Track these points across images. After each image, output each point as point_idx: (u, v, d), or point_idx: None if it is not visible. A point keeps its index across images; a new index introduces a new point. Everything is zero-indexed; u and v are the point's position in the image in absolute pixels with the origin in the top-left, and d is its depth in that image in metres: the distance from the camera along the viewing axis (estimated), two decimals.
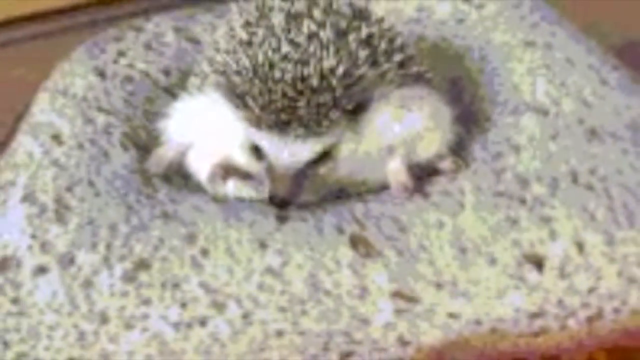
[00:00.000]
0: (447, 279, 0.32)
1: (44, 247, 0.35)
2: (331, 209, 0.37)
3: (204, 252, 0.34)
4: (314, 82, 0.33)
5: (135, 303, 0.32)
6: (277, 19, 0.35)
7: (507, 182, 0.37)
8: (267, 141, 0.35)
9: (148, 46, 0.54)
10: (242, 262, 0.33)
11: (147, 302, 0.32)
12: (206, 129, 0.38)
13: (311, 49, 0.34)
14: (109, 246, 0.35)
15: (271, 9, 0.36)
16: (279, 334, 0.30)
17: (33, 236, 0.36)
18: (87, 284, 0.33)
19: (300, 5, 0.36)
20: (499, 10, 0.51)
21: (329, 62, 0.33)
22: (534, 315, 0.30)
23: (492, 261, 0.32)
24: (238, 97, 0.35)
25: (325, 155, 0.35)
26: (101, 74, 0.51)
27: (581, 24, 0.52)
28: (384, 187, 0.37)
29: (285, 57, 0.34)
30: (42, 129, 0.45)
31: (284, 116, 0.33)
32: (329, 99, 0.33)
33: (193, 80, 0.40)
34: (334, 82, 0.33)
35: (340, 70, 0.33)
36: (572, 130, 0.39)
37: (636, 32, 0.67)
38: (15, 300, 0.33)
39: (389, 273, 0.32)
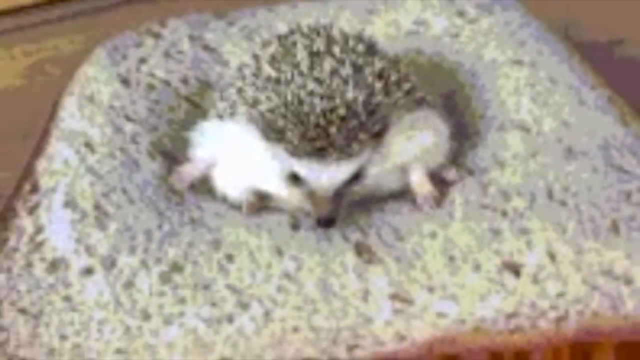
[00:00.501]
0: (438, 283, 0.37)
1: (88, 250, 0.40)
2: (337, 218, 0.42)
3: (229, 258, 0.39)
4: (341, 111, 0.38)
5: (172, 302, 0.37)
6: (301, 56, 0.40)
7: (491, 195, 0.42)
8: (306, 168, 0.39)
9: (167, 54, 0.58)
10: (262, 266, 0.38)
11: (182, 301, 0.37)
12: (238, 156, 0.42)
13: (334, 84, 0.39)
14: (145, 250, 0.40)
15: (294, 44, 0.41)
16: (295, 329, 0.36)
17: (78, 240, 0.41)
18: (129, 284, 0.38)
19: (320, 43, 0.41)
20: (490, 27, 0.55)
21: (351, 95, 0.39)
22: (510, 316, 0.36)
23: (477, 268, 0.38)
24: (275, 132, 0.39)
25: (356, 176, 0.40)
26: (125, 82, 0.55)
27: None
28: (396, 195, 0.43)
29: (311, 93, 0.38)
30: (76, 136, 0.49)
31: (319, 144, 0.38)
32: (356, 124, 0.39)
33: (221, 105, 0.44)
34: (358, 109, 0.39)
35: (360, 100, 0.39)
36: (551, 149, 0.44)
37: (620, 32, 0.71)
38: (67, 298, 0.38)
39: (389, 278, 0.37)
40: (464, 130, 0.48)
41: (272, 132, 0.39)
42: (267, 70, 0.40)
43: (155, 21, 0.63)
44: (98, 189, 0.44)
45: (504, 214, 0.40)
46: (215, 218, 0.43)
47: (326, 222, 0.39)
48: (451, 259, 0.38)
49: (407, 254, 0.39)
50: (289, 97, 0.39)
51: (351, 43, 0.41)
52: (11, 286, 0.39)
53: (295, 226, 0.41)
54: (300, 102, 0.39)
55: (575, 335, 0.35)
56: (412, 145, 0.42)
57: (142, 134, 0.49)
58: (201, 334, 0.35)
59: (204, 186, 0.46)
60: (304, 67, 0.40)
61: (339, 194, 0.40)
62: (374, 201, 0.42)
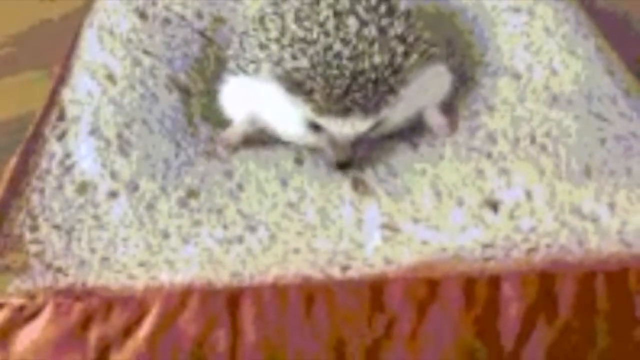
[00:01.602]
0: (424, 215, 0.41)
1: (113, 175, 0.45)
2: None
3: (240, 187, 0.44)
4: (367, 74, 0.42)
5: (189, 223, 0.42)
6: (326, 14, 0.43)
7: (479, 138, 0.46)
8: (329, 123, 0.43)
9: None
10: (269, 196, 0.43)
11: (198, 223, 0.42)
12: (264, 111, 0.45)
13: (360, 47, 0.42)
14: (164, 177, 0.45)
15: (318, 1, 0.44)
16: (296, 251, 0.40)
17: (103, 165, 0.46)
18: (150, 206, 0.43)
19: (344, 2, 0.43)
20: None
21: (376, 59, 0.42)
22: (487, 246, 0.40)
23: (460, 203, 0.42)
24: (301, 91, 0.42)
25: (375, 126, 0.44)
26: (142, 15, 0.58)
27: None
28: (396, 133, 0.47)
29: (338, 55, 0.41)
30: (97, 68, 0.53)
31: (344, 104, 0.42)
32: (379, 86, 0.42)
33: (244, 61, 0.46)
34: (383, 73, 0.42)
35: (385, 63, 0.42)
36: (538, 96, 0.48)
37: None
38: (95, 217, 0.43)
39: (380, 209, 0.42)
40: (461, 74, 0.51)
41: (298, 91, 0.42)
42: (293, 28, 0.43)
43: None
44: (120, 119, 0.48)
45: (489, 155, 0.44)
46: (228, 149, 0.47)
47: (344, 165, 0.44)
48: (438, 194, 0.42)
49: (398, 188, 0.43)
50: (316, 58, 0.41)
51: (373, 2, 0.44)
52: (45, 205, 0.43)
53: (299, 161, 0.45)
54: (328, 64, 0.41)
55: (543, 265, 0.39)
56: (425, 95, 0.46)
57: (159, 68, 0.53)
58: (214, 252, 0.40)
59: (217, 118, 0.50)
60: (330, 26, 0.42)
61: (359, 140, 0.43)
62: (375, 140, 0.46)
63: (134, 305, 0.39)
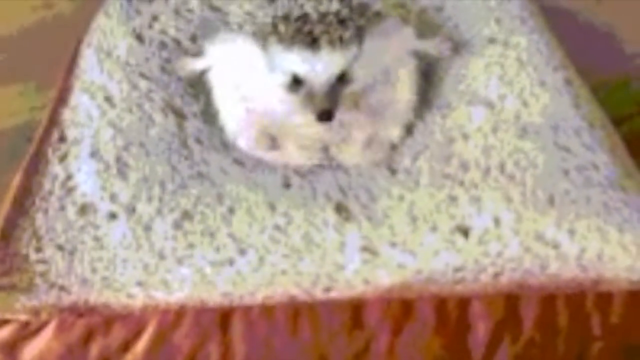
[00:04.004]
0: (400, 240, 0.45)
1: (112, 197, 0.48)
2: (322, 178, 0.49)
3: (231, 210, 0.47)
4: (328, 12, 0.47)
5: (183, 245, 0.45)
6: None
7: (453, 166, 0.49)
8: (302, 60, 0.47)
9: (177, 12, 0.63)
10: (258, 219, 0.46)
11: (191, 245, 0.45)
12: (240, 72, 0.51)
13: (322, 7, 0.48)
14: (161, 199, 0.48)
15: None
16: (283, 272, 0.44)
17: (103, 188, 0.49)
18: (147, 228, 0.46)
19: None
20: (473, 2, 0.61)
21: (337, 5, 0.48)
22: (457, 269, 0.44)
23: (434, 228, 0.45)
24: (273, 34, 0.48)
25: (345, 77, 0.48)
26: (139, 38, 0.61)
27: None
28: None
29: (302, 6, 0.48)
30: (96, 90, 0.56)
31: (311, 35, 0.47)
32: (340, 22, 0.48)
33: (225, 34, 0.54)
34: (342, 12, 0.48)
35: (347, 10, 0.48)
36: (509, 126, 0.51)
37: None
38: (96, 238, 0.46)
39: (361, 233, 0.45)
40: (439, 102, 0.54)
41: (270, 35, 0.48)
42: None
43: None
44: (119, 142, 0.51)
45: (461, 183, 0.47)
46: (220, 173, 0.50)
47: (324, 114, 0.48)
48: (413, 219, 0.46)
49: (378, 214, 0.46)
50: (283, 10, 0.48)
51: None
52: (49, 225, 0.47)
53: (287, 185, 0.49)
54: (294, 14, 0.48)
55: (508, 288, 0.43)
56: (389, 51, 0.51)
57: (155, 91, 0.56)
58: (207, 273, 0.44)
59: (210, 141, 0.53)
60: None
61: (334, 91, 0.47)
62: (354, 167, 0.50)
63: (133, 322, 0.42)
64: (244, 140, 0.51)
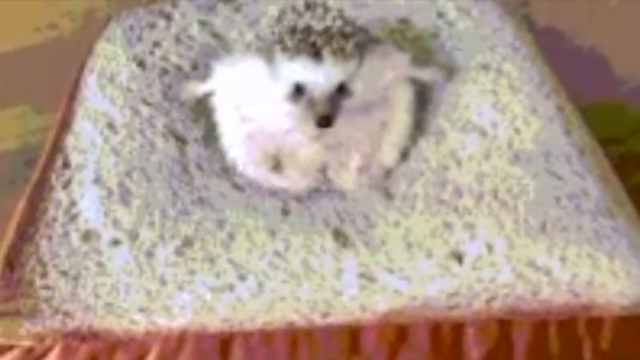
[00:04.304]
0: (397, 266, 0.46)
1: (115, 224, 0.49)
2: (320, 204, 0.51)
3: (231, 236, 0.48)
4: (332, 28, 0.50)
5: (184, 271, 0.46)
6: (299, 4, 0.53)
7: (448, 192, 0.50)
8: (304, 69, 0.49)
9: (178, 39, 0.65)
10: (258, 245, 0.47)
11: (192, 271, 0.46)
12: (247, 92, 0.53)
13: (326, 19, 0.51)
14: (162, 226, 0.49)
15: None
16: (282, 299, 0.45)
17: (106, 214, 0.50)
18: (149, 254, 0.47)
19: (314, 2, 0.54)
20: (466, 29, 0.62)
21: (340, 23, 0.51)
22: (451, 295, 0.45)
23: (429, 255, 0.47)
24: (278, 44, 0.50)
25: (345, 89, 0.50)
26: (141, 64, 0.62)
27: None
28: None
29: (307, 23, 0.51)
30: (99, 116, 0.57)
31: (315, 45, 0.49)
32: (342, 35, 0.50)
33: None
34: (344, 28, 0.51)
35: (345, 25, 0.51)
36: (502, 153, 0.52)
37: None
38: (99, 264, 0.47)
39: (358, 260, 0.46)
40: (434, 129, 0.56)
41: (276, 46, 0.50)
42: (273, 11, 0.55)
43: (167, 2, 0.69)
44: (121, 168, 0.53)
45: (456, 209, 0.49)
46: (220, 198, 0.51)
47: (323, 120, 0.49)
48: (409, 245, 0.47)
49: (375, 240, 0.48)
50: (289, 24, 0.51)
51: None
52: (53, 252, 0.48)
53: (285, 211, 0.50)
54: (299, 27, 0.50)
55: (501, 313, 0.44)
56: (383, 75, 0.53)
57: (157, 117, 0.57)
58: (207, 299, 0.45)
59: (210, 166, 0.54)
60: (300, 9, 0.52)
61: (334, 100, 0.49)
62: (351, 192, 0.51)
63: (135, 348, 0.43)
64: (244, 162, 0.53)
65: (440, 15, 0.65)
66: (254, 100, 0.53)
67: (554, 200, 0.48)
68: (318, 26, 0.51)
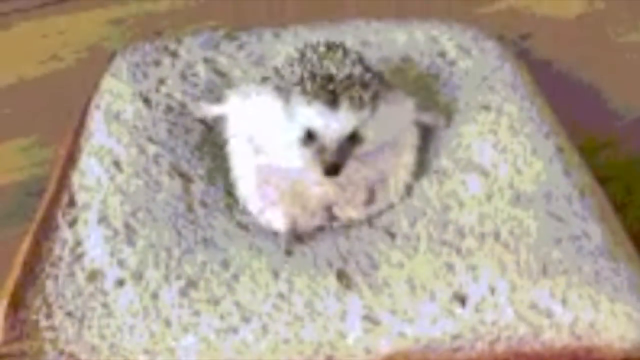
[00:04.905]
0: (400, 308, 0.46)
1: (120, 264, 0.49)
2: (323, 244, 0.51)
3: (235, 277, 0.48)
4: (355, 80, 0.51)
5: (189, 313, 0.46)
6: (318, 47, 0.54)
7: (450, 233, 0.51)
8: (319, 115, 0.49)
9: (183, 76, 0.66)
10: (262, 287, 0.48)
11: (197, 313, 0.46)
12: (259, 127, 0.54)
13: (345, 64, 0.52)
14: (167, 266, 0.49)
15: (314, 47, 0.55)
16: (286, 341, 0.45)
17: (111, 254, 0.50)
18: (154, 295, 0.48)
19: (332, 45, 0.55)
20: (466, 69, 0.63)
21: (359, 70, 0.52)
22: (455, 337, 0.45)
23: (432, 297, 0.47)
24: (297, 84, 0.51)
25: (356, 137, 0.51)
26: (146, 101, 0.63)
27: None
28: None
29: (327, 67, 0.52)
30: (105, 154, 0.57)
31: (331, 92, 0.50)
32: (359, 84, 0.51)
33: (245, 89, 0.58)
34: (363, 76, 0.51)
35: (362, 72, 0.52)
36: (503, 194, 0.53)
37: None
38: (104, 305, 0.47)
39: (362, 302, 0.47)
40: (436, 168, 0.56)
41: (295, 87, 0.51)
42: (292, 53, 0.54)
43: (172, 38, 0.71)
44: (127, 208, 0.53)
45: (458, 250, 0.49)
46: (224, 237, 0.52)
47: (332, 168, 0.50)
48: (412, 287, 0.47)
49: (378, 281, 0.48)
50: (309, 68, 0.52)
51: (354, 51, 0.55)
52: (59, 292, 0.48)
53: (288, 252, 0.50)
54: (318, 73, 0.51)
55: (504, 356, 0.44)
56: (393, 121, 0.54)
57: (162, 155, 0.58)
58: (212, 341, 0.45)
59: (215, 203, 0.55)
60: (321, 51, 0.53)
61: (344, 148, 0.50)
62: (354, 231, 0.51)
63: None
64: (254, 196, 0.53)
65: (441, 54, 0.66)
66: (267, 135, 0.54)
67: (555, 242, 0.49)
68: (339, 73, 0.51)
